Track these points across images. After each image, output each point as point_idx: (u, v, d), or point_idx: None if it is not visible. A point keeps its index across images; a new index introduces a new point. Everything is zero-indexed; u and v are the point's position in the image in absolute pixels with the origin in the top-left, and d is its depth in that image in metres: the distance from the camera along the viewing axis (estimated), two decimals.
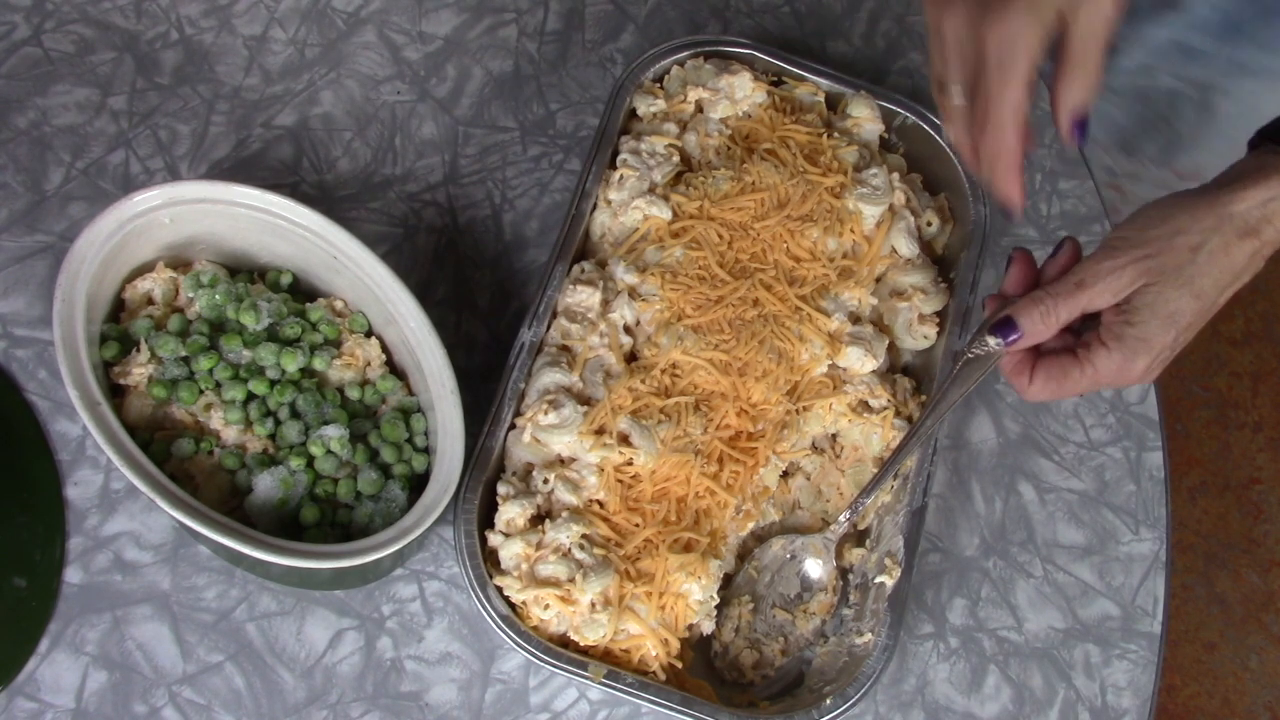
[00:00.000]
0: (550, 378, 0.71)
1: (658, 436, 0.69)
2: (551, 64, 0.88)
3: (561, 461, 0.71)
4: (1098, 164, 1.02)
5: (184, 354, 0.68)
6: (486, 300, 0.81)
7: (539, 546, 0.67)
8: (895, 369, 0.79)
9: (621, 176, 0.77)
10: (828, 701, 0.67)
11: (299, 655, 0.71)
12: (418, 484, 0.69)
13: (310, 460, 0.68)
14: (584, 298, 0.74)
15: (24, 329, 0.75)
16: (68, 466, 0.72)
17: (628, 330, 0.74)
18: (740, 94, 0.81)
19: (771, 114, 0.81)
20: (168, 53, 0.84)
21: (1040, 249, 0.87)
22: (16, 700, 0.67)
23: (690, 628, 0.70)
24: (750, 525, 0.73)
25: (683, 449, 0.70)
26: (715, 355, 0.72)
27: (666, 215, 0.76)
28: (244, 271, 0.74)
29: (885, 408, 0.75)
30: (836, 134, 0.81)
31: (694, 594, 0.68)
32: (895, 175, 0.80)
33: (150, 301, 0.71)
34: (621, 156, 0.78)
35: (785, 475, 0.76)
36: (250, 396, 0.68)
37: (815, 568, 0.74)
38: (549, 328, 0.74)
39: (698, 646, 0.72)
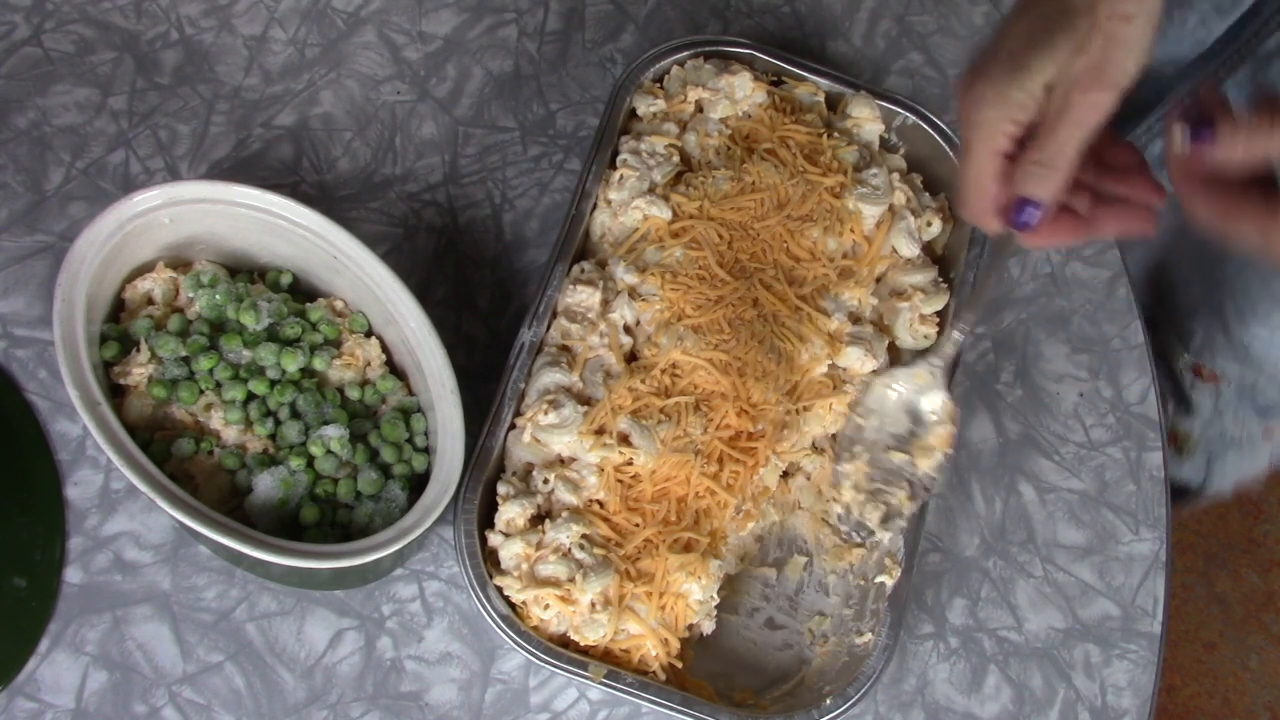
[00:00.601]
0: (550, 378, 0.71)
1: (658, 436, 0.69)
2: (551, 64, 0.88)
3: (561, 461, 0.71)
4: None
5: (184, 354, 0.68)
6: (486, 300, 0.81)
7: (539, 546, 0.67)
8: None
9: (621, 176, 0.77)
10: (828, 701, 0.67)
11: (299, 655, 0.71)
12: (418, 484, 0.69)
13: (310, 460, 0.68)
14: (584, 298, 0.74)
15: (24, 329, 0.75)
16: (68, 466, 0.72)
17: (628, 330, 0.74)
18: (740, 94, 0.81)
19: (771, 114, 0.81)
20: (168, 53, 0.84)
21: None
22: (16, 700, 0.67)
23: (690, 628, 0.70)
24: (750, 525, 0.73)
25: (683, 449, 0.70)
26: (715, 355, 0.71)
27: (666, 215, 0.76)
28: (244, 271, 0.74)
29: None
30: (836, 134, 0.81)
31: (694, 594, 0.68)
32: (895, 175, 0.80)
33: (150, 301, 0.71)
34: (621, 156, 0.78)
35: (785, 475, 0.76)
36: (250, 396, 0.68)
37: (924, 399, 0.68)
38: (549, 328, 0.74)
39: (698, 646, 0.72)
